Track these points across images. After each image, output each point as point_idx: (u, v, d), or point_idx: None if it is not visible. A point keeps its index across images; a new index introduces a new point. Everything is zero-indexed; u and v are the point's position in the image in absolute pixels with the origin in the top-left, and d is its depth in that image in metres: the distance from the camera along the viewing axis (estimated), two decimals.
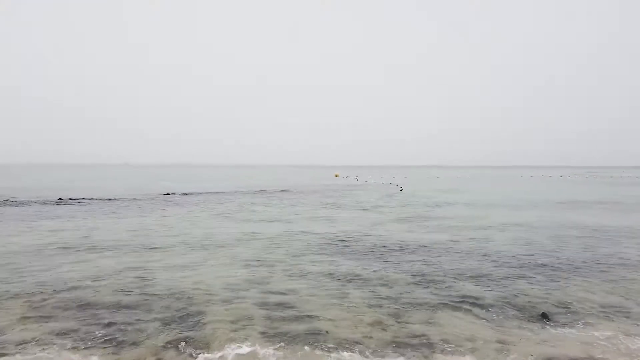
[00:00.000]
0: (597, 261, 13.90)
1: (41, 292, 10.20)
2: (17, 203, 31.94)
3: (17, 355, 7.11)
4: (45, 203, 32.19)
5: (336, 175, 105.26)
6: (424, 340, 7.74)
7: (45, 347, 7.42)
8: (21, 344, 7.50)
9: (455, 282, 11.39)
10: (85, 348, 7.38)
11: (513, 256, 14.60)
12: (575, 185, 65.36)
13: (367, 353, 7.26)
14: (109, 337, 7.77)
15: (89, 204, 32.47)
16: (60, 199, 35.38)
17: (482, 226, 21.87)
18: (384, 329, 8.23)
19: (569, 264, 13.45)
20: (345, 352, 7.29)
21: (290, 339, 7.77)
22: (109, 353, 7.19)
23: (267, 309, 9.22)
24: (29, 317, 8.65)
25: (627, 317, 8.90)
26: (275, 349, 7.36)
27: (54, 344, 7.50)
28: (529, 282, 11.40)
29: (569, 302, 9.75)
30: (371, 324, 8.50)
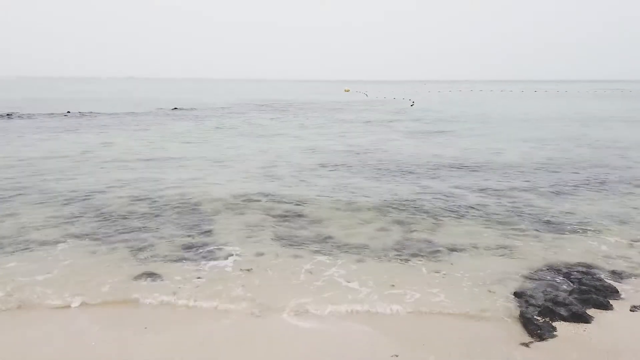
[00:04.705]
0: (609, 174, 13.84)
1: (57, 200, 10.52)
2: (25, 116, 31.96)
3: (40, 253, 7.52)
4: (53, 116, 32.19)
5: (346, 90, 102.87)
6: (428, 245, 8.01)
7: (66, 246, 7.81)
8: (42, 244, 7.89)
9: (462, 193, 11.52)
10: (104, 248, 7.76)
11: (521, 170, 14.58)
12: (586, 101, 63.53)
13: (372, 255, 7.56)
14: (126, 239, 8.13)
15: (98, 117, 32.42)
16: (68, 111, 35.30)
17: (492, 140, 21.65)
18: (389, 235, 8.50)
19: (579, 178, 13.43)
20: (350, 254, 7.61)
21: (299, 243, 8.10)
22: (128, 253, 7.56)
23: (277, 217, 9.51)
24: (47, 222, 8.99)
25: (632, 227, 8.99)
26: (285, 251, 7.68)
27: (74, 245, 7.88)
28: (536, 194, 11.48)
29: (574, 212, 9.86)
30: (377, 230, 8.78)
